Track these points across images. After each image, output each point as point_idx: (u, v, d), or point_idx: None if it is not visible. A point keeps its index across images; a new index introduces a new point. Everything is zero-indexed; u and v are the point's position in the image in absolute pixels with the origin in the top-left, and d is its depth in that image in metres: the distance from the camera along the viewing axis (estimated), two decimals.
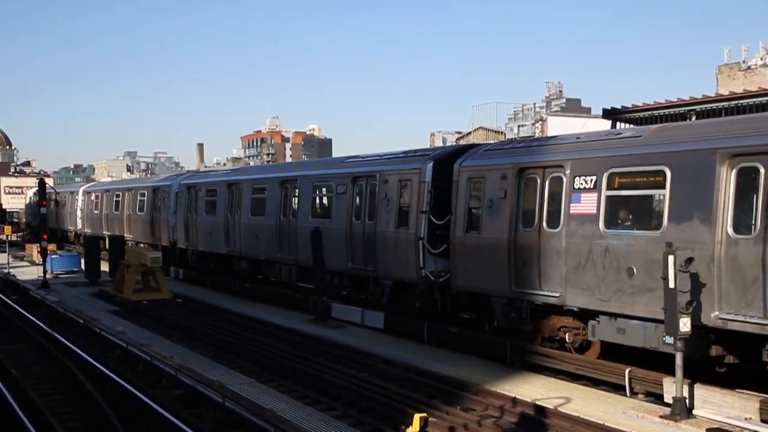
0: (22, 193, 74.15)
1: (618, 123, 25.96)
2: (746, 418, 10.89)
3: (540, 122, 48.09)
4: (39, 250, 33.03)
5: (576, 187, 13.89)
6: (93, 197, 44.27)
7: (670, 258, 11.19)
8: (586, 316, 13.95)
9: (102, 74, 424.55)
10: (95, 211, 43.51)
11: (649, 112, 24.51)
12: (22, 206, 67.05)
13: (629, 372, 13.04)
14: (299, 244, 22.95)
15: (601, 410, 11.88)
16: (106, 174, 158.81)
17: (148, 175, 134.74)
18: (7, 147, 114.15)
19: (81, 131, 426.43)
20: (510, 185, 15.42)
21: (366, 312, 20.06)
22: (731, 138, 11.73)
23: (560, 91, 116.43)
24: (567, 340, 14.68)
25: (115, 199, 40.23)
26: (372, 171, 20.36)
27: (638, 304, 12.58)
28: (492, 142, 17.51)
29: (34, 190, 64.92)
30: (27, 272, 34.59)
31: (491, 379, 13.89)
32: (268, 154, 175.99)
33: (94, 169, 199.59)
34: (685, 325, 11.14)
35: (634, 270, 12.66)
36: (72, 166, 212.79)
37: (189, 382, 13.46)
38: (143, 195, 36.36)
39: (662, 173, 12.51)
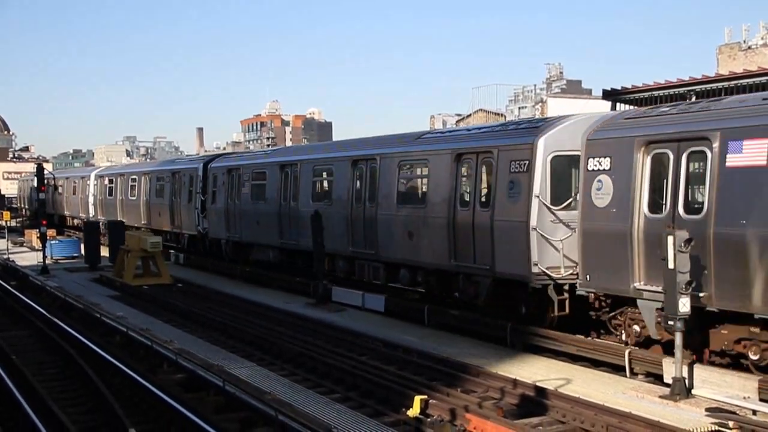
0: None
1: (618, 104, 25.84)
2: (745, 398, 10.93)
3: (540, 104, 47.93)
4: (38, 235, 33.02)
5: (248, 179, 26.82)
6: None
7: (670, 239, 11.16)
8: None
9: (102, 59, 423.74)
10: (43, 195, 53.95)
11: (649, 93, 24.33)
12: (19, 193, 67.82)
13: (629, 353, 13.08)
14: (151, 215, 35.86)
15: (602, 391, 11.93)
16: (106, 159, 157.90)
17: (147, 160, 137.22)
18: (5, 132, 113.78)
19: (80, 116, 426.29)
20: (225, 179, 28.30)
21: (367, 295, 20.09)
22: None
23: (561, 73, 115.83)
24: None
25: (58, 184, 52.87)
26: (179, 168, 33.58)
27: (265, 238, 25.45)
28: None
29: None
30: (27, 258, 34.66)
31: (492, 361, 13.93)
32: (268, 138, 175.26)
33: (93, 154, 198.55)
34: (684, 305, 11.14)
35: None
36: (71, 152, 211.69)
37: (189, 366, 13.49)
38: (75, 183, 49.03)
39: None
